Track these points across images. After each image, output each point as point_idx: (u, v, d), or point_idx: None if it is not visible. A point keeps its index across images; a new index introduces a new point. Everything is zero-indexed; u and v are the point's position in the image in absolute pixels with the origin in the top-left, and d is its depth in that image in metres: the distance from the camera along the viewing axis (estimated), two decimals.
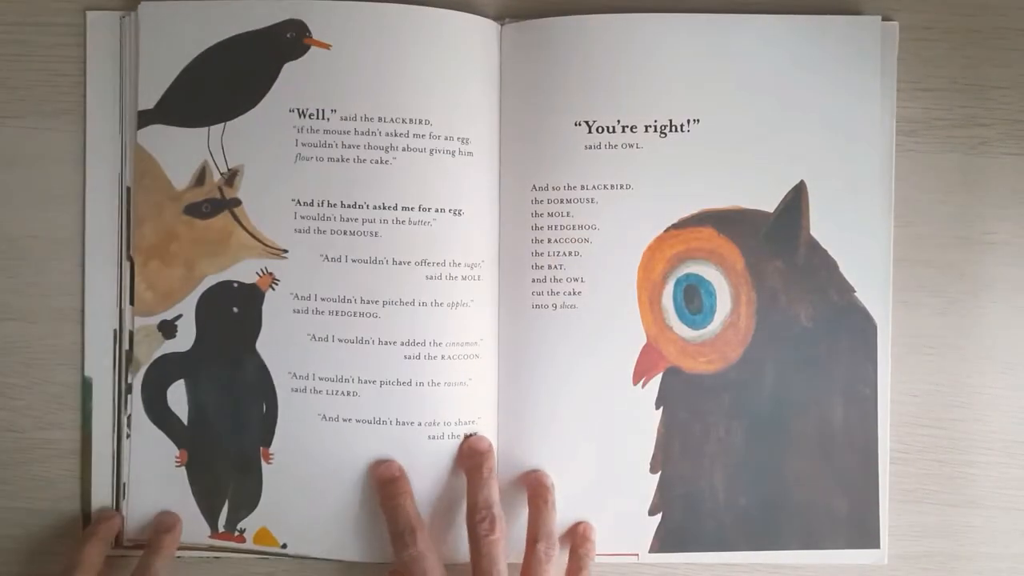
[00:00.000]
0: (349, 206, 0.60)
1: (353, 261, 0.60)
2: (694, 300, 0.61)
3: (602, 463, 0.61)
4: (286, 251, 0.60)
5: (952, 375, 0.63)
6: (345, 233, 0.60)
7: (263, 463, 0.61)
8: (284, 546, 0.61)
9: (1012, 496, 0.63)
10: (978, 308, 0.62)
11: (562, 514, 0.60)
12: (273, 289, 0.60)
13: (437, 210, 0.60)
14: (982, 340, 0.63)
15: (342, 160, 0.60)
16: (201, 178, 0.60)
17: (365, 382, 0.60)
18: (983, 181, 0.62)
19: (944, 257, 0.62)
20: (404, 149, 0.60)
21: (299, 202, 0.60)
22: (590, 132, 0.60)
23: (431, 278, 0.60)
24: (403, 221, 0.60)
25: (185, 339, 0.61)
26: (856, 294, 0.61)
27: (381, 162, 0.60)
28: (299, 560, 0.62)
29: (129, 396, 0.61)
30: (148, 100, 0.60)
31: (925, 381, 0.62)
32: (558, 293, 0.61)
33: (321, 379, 0.60)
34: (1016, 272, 0.62)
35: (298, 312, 0.60)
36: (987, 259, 0.62)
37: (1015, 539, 0.63)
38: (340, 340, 0.60)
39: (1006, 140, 0.62)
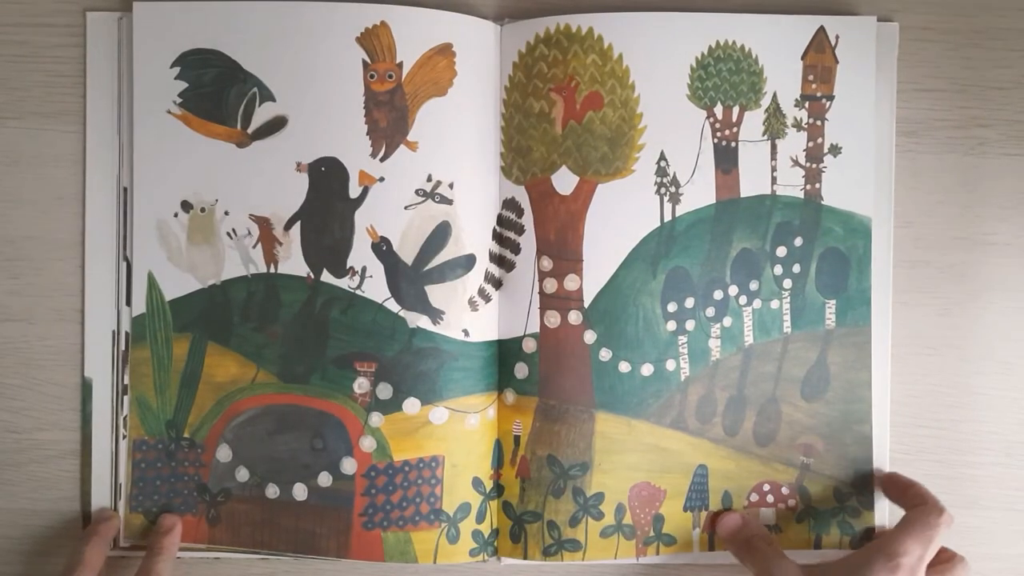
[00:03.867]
0: None
1: None
2: None
3: None
4: None
5: (952, 376, 0.63)
6: None
7: None
8: None
9: (1012, 497, 0.63)
10: (978, 309, 0.62)
11: None
12: None
13: None
14: (982, 341, 0.62)
15: None
16: None
17: None
18: (983, 182, 0.62)
19: (944, 258, 0.62)
20: None
21: None
22: None
23: None
24: None
25: None
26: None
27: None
28: (299, 560, 0.62)
29: (125, 396, 0.61)
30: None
31: (925, 382, 0.62)
32: None
33: None
34: (1016, 273, 0.62)
35: None
36: (987, 260, 0.62)
37: (1015, 539, 0.63)
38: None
39: (1006, 141, 0.62)
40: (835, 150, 0.61)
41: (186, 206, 0.60)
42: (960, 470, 0.63)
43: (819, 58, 0.61)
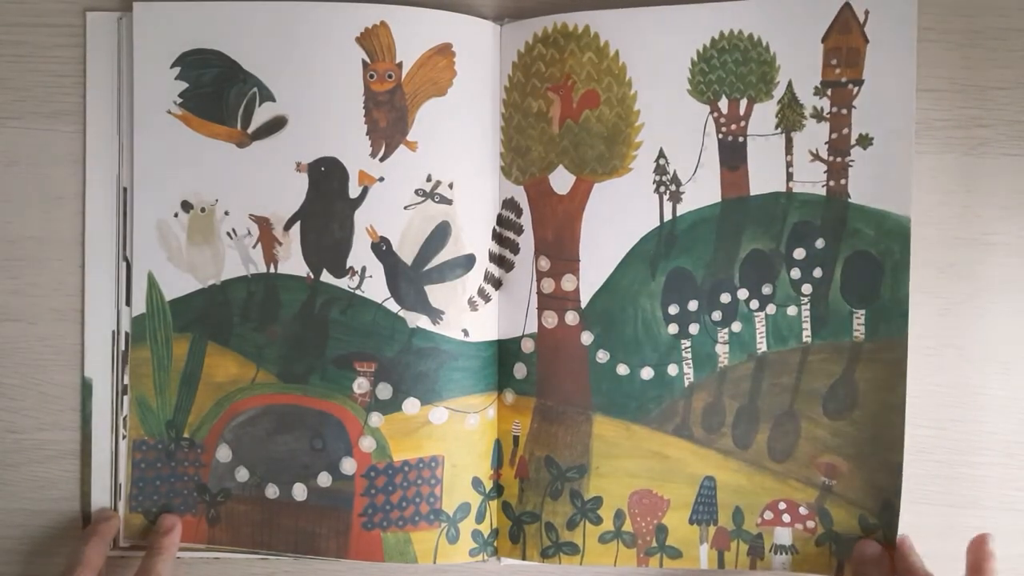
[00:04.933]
0: None
1: None
2: None
3: None
4: None
5: (952, 376, 0.62)
6: None
7: None
8: None
9: (1012, 497, 0.63)
10: (978, 309, 0.62)
11: None
12: None
13: None
14: (982, 341, 0.62)
15: None
16: None
17: None
18: (983, 182, 0.62)
19: (944, 258, 0.62)
20: None
21: None
22: None
23: None
24: None
25: None
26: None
27: None
28: (298, 560, 0.62)
29: (125, 396, 0.61)
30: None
31: (925, 382, 0.62)
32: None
33: None
34: (1016, 273, 0.62)
35: None
36: (987, 260, 0.62)
37: (1015, 539, 0.62)
38: None
39: (1006, 141, 0.62)
40: (865, 141, 0.58)
41: (186, 206, 0.61)
42: (960, 470, 0.63)
43: (844, 39, 0.58)
